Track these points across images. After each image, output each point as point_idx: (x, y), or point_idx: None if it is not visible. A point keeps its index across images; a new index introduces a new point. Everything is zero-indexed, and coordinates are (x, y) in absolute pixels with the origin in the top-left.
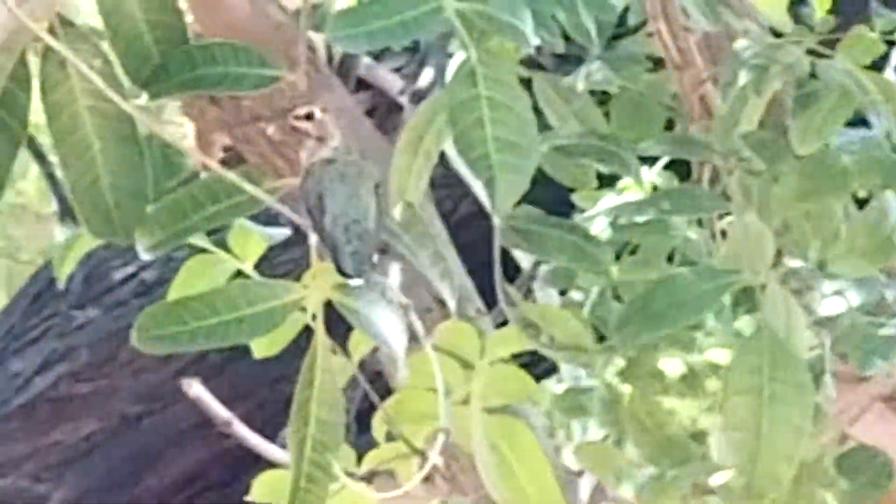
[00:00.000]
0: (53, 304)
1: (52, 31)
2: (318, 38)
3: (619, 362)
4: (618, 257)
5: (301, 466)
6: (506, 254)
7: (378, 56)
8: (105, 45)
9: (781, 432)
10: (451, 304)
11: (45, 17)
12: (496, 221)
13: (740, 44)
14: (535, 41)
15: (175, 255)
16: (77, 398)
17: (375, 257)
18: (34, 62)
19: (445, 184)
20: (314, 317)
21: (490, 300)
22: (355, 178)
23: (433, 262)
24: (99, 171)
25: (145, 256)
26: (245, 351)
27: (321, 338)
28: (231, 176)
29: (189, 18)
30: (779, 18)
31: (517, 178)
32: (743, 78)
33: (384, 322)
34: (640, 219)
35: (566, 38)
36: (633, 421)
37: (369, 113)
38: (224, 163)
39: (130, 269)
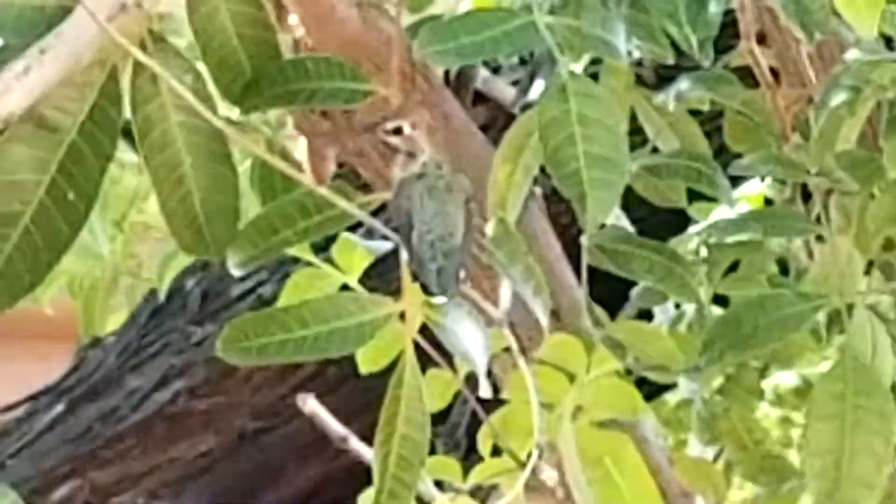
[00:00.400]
0: (171, 320)
1: (143, 46)
2: None
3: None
4: (729, 271)
5: (384, 482)
6: None
7: (496, 69)
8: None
9: (863, 460)
10: (543, 320)
11: (136, 32)
12: (583, 240)
13: (851, 54)
14: (637, 54)
15: (293, 271)
16: (195, 414)
17: (462, 273)
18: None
19: (563, 197)
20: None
21: (612, 310)
22: (444, 193)
23: (525, 277)
24: (190, 188)
25: (236, 272)
26: None
27: (409, 354)
28: (322, 190)
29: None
30: (867, 32)
31: (608, 194)
32: (836, 99)
33: (468, 337)
34: (729, 239)
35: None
36: (731, 437)
37: (488, 126)
38: (339, 177)
39: (248, 285)
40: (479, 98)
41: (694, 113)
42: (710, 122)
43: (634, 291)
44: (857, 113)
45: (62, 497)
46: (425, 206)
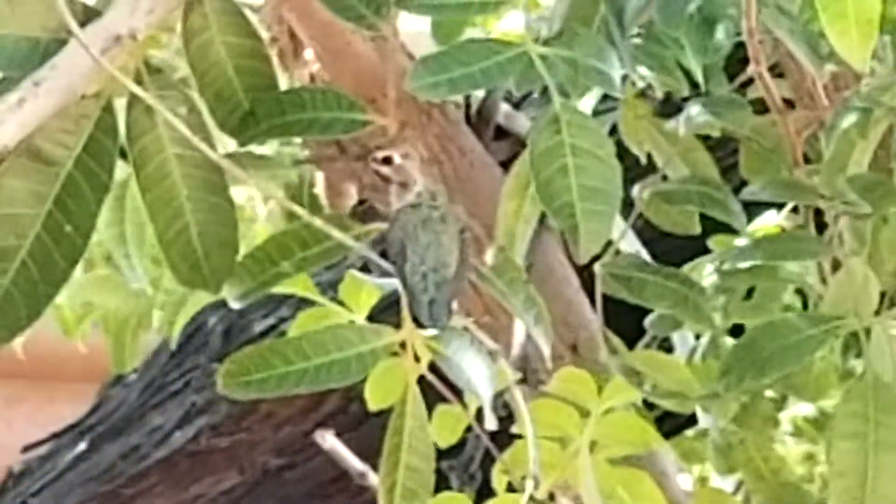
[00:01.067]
0: (193, 357)
1: (138, 78)
2: None
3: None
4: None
5: None
6: None
7: (517, 104)
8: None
9: (887, 478)
10: (545, 349)
11: (131, 64)
12: (597, 269)
13: (866, 82)
14: (641, 84)
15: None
16: (217, 451)
17: (455, 304)
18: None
19: None
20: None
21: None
22: (438, 224)
23: (527, 306)
24: (187, 220)
25: (235, 305)
26: None
27: (412, 384)
28: (317, 222)
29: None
30: (860, 65)
31: (600, 225)
32: (846, 122)
33: (471, 368)
34: (742, 265)
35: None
36: (748, 467)
37: (510, 161)
38: (356, 214)
39: (271, 321)
40: (502, 133)
41: (713, 146)
42: (730, 156)
43: (648, 319)
44: (869, 136)
45: None
46: (419, 237)
